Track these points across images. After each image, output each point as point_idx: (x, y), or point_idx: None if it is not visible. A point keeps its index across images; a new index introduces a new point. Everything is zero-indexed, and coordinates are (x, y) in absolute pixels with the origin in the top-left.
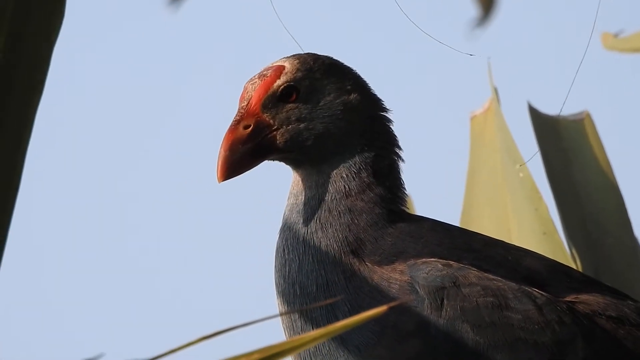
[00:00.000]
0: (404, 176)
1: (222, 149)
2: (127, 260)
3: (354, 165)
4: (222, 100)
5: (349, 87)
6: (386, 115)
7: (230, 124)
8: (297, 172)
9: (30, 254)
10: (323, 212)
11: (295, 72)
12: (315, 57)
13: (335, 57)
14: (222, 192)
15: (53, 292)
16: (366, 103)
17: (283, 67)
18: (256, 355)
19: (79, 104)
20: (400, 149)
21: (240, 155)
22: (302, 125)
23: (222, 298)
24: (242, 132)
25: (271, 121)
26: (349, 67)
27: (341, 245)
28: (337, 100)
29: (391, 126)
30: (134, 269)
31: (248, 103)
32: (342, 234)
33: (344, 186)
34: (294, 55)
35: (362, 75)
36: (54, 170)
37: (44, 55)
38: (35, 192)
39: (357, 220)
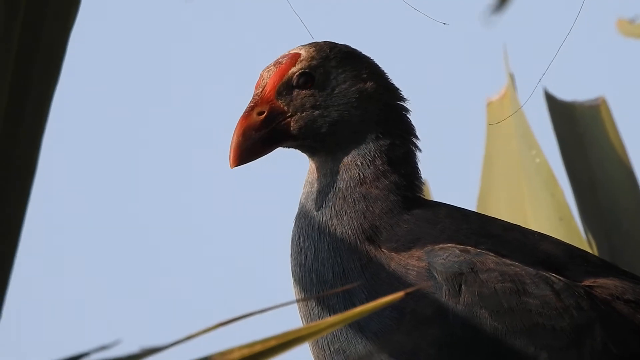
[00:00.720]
0: (421, 163)
1: (235, 135)
2: (141, 248)
3: (369, 153)
4: (235, 85)
5: (364, 76)
6: (403, 104)
7: (244, 110)
8: (313, 159)
9: (40, 240)
10: (338, 199)
11: (310, 60)
12: (331, 45)
13: (351, 45)
14: (240, 180)
15: (66, 280)
16: (382, 91)
17: (299, 55)
18: (273, 342)
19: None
20: (416, 137)
21: (253, 142)
22: (316, 113)
23: (239, 286)
24: (255, 118)
25: (285, 108)
26: (365, 55)
27: (356, 232)
28: (353, 88)
29: (408, 115)
30: (148, 256)
31: (263, 90)
32: (357, 222)
33: (359, 174)
34: (310, 43)
35: (379, 64)
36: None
37: (61, 42)
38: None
39: (372, 207)
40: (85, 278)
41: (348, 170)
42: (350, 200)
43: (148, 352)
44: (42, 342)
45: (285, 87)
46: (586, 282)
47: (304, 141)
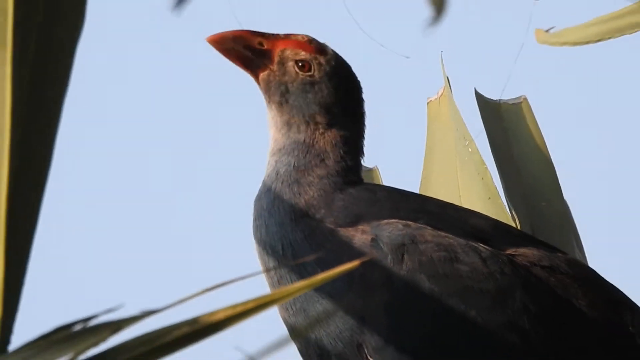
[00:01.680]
0: (365, 152)
1: (232, 32)
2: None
3: (309, 142)
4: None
5: (336, 109)
6: (360, 141)
7: (256, 30)
8: (271, 122)
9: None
10: (278, 182)
11: (324, 63)
12: (347, 71)
13: (353, 71)
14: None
15: (64, 245)
16: (340, 131)
17: (325, 53)
18: (250, 304)
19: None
20: (361, 124)
21: (234, 48)
22: (283, 87)
23: (220, 256)
24: (254, 40)
25: (275, 61)
26: (359, 99)
27: (295, 210)
28: (319, 107)
29: (361, 142)
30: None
31: (284, 39)
32: (292, 201)
33: (295, 162)
34: (334, 51)
35: (363, 107)
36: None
37: (71, 44)
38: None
39: (307, 189)
40: (84, 247)
41: (284, 155)
42: (287, 184)
43: (148, 313)
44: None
45: (290, 55)
46: (509, 251)
47: (261, 90)
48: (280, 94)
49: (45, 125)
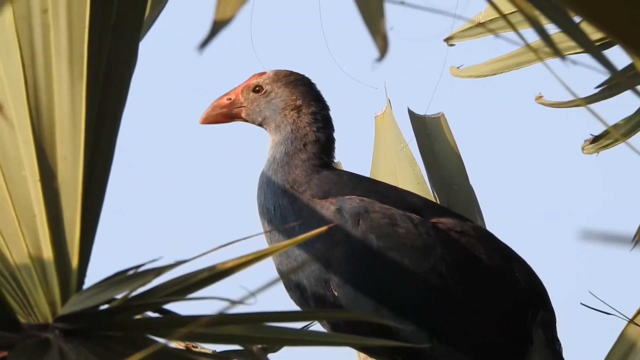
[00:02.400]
0: (336, 147)
1: (209, 106)
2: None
3: (290, 139)
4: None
5: (296, 96)
6: (326, 112)
7: (222, 95)
8: (268, 135)
9: None
10: (274, 165)
11: (266, 78)
12: (286, 74)
13: (303, 75)
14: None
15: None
16: (305, 110)
17: (264, 73)
18: (251, 256)
19: None
20: (329, 131)
21: (216, 113)
22: (257, 109)
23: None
24: (224, 100)
25: (243, 100)
26: (308, 85)
27: (284, 185)
28: (282, 104)
29: (329, 116)
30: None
31: (237, 87)
32: (284, 178)
33: (284, 148)
34: (276, 69)
35: (317, 89)
36: None
37: (127, 76)
38: None
39: (293, 170)
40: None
41: (277, 149)
42: (280, 166)
43: (179, 262)
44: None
45: (247, 89)
46: (433, 219)
47: (251, 122)
48: (260, 115)
49: (108, 131)
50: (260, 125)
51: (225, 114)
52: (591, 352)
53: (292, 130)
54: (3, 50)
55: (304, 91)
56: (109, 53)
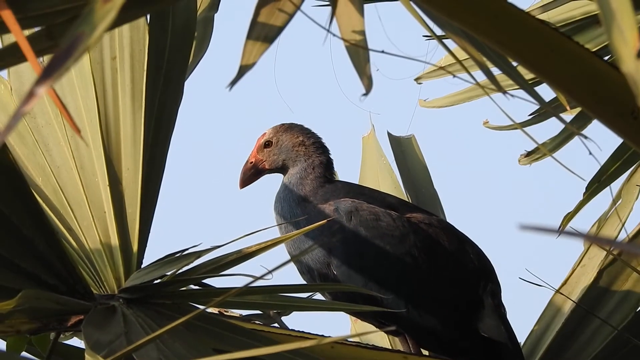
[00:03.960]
0: (334, 166)
1: (240, 173)
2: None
3: (303, 167)
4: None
5: (297, 136)
6: (321, 141)
7: (245, 161)
8: (283, 174)
9: None
10: (289, 185)
11: (270, 134)
12: (281, 125)
13: (294, 122)
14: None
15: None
16: (307, 139)
17: (265, 134)
18: (270, 242)
19: None
20: (329, 154)
21: (248, 176)
22: (274, 158)
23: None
24: (248, 165)
25: (262, 158)
26: (299, 125)
27: (297, 198)
28: (290, 144)
29: (324, 144)
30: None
31: (253, 150)
32: (297, 194)
33: (298, 174)
34: (273, 126)
35: (306, 126)
36: None
37: (175, 105)
38: None
39: (304, 187)
40: None
41: (292, 176)
42: (294, 185)
43: (214, 247)
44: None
45: (260, 149)
46: (407, 215)
47: (272, 171)
48: (279, 160)
49: (160, 149)
50: (281, 168)
51: (253, 174)
52: (527, 316)
53: (304, 160)
54: (81, 87)
55: (299, 130)
56: (161, 90)
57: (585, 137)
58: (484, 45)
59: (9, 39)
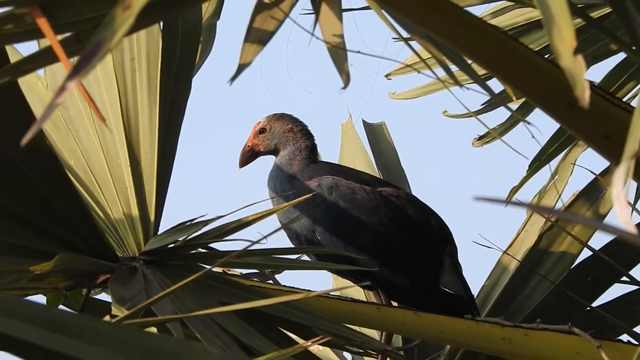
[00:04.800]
0: (318, 148)
1: (239, 154)
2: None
3: (292, 150)
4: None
5: (287, 123)
6: (307, 128)
7: (244, 145)
8: (275, 156)
9: None
10: (280, 165)
11: (264, 123)
12: (273, 114)
13: (285, 112)
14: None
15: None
16: (295, 127)
17: (260, 122)
18: (265, 212)
19: None
20: (312, 139)
21: (245, 157)
22: (267, 142)
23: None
24: (246, 148)
25: (257, 142)
26: (289, 115)
27: (287, 175)
28: (281, 131)
29: (309, 130)
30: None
31: (250, 136)
32: (286, 172)
33: (287, 156)
34: (266, 115)
35: (295, 116)
36: None
37: (184, 100)
38: None
39: (292, 167)
40: None
41: (283, 157)
42: (283, 166)
43: (218, 217)
44: None
45: (256, 135)
46: (379, 189)
47: (266, 154)
48: (272, 144)
49: (172, 135)
50: (273, 151)
51: (250, 156)
52: (479, 273)
53: (292, 144)
54: (106, 83)
55: (288, 119)
56: (173, 86)
57: (529, 123)
58: (444, 46)
59: (44, 42)
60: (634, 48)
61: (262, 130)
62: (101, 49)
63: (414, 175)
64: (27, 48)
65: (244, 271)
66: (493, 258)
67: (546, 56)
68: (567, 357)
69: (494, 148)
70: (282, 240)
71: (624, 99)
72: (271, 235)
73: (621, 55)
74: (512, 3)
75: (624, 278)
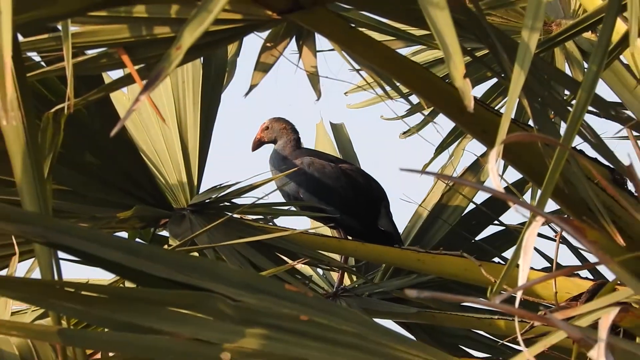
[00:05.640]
0: (303, 139)
1: (252, 143)
2: None
3: (285, 141)
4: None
5: (282, 124)
6: (294, 126)
7: (254, 137)
8: (274, 145)
9: None
10: (277, 150)
11: (267, 123)
12: (273, 117)
13: (281, 116)
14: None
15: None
16: (286, 126)
17: (265, 122)
18: (267, 180)
19: None
20: (298, 134)
21: (255, 144)
22: (269, 136)
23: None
24: (256, 139)
25: (263, 135)
26: (283, 118)
27: (282, 157)
28: (278, 129)
29: (296, 129)
30: None
31: (258, 131)
32: (281, 155)
33: (282, 145)
34: (269, 118)
35: (287, 118)
36: None
37: (215, 107)
38: None
39: (285, 151)
40: None
41: (279, 146)
42: (280, 151)
43: (236, 183)
44: None
45: (262, 130)
46: (339, 165)
47: (268, 143)
48: (271, 139)
49: (208, 130)
50: (273, 141)
51: (258, 144)
52: (404, 218)
53: (285, 137)
54: (166, 96)
55: (283, 121)
56: (209, 98)
57: (435, 123)
58: (381, 74)
59: (126, 70)
60: (502, 75)
61: (266, 128)
62: (161, 74)
63: (364, 157)
64: (115, 74)
65: (254, 217)
66: (412, 209)
67: (447, 80)
68: (459, 272)
69: (414, 139)
70: (278, 198)
71: (496, 108)
72: (271, 194)
73: (494, 80)
74: (425, 47)
75: (496, 222)
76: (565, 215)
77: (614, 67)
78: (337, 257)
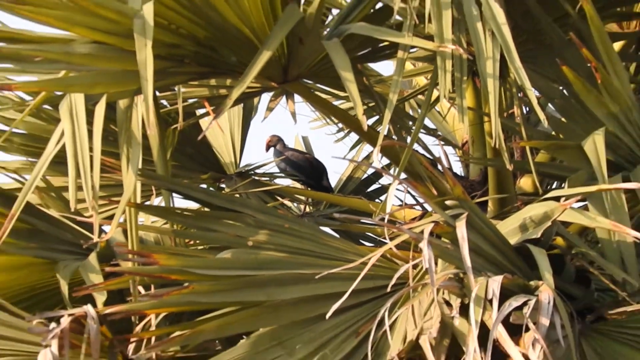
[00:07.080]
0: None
1: (265, 146)
2: None
3: (279, 145)
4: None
5: (277, 137)
6: (282, 139)
7: (265, 143)
8: (274, 148)
9: None
10: (276, 149)
11: (270, 137)
12: (273, 134)
13: (276, 134)
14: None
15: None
16: (280, 140)
17: (269, 136)
18: (270, 161)
19: None
20: (284, 141)
21: (266, 147)
22: (272, 143)
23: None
24: (266, 145)
25: (269, 142)
26: (278, 135)
27: (278, 152)
28: (275, 140)
29: (285, 144)
30: None
31: (266, 140)
32: (277, 151)
33: (278, 146)
34: (270, 135)
35: (280, 136)
36: None
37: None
38: None
39: (279, 149)
40: None
41: (276, 148)
42: (277, 149)
43: (255, 163)
44: None
45: (268, 140)
46: (306, 155)
47: (272, 147)
48: (273, 145)
49: (243, 137)
50: (273, 147)
51: (267, 148)
52: (334, 182)
53: (279, 142)
54: (222, 120)
55: (277, 136)
56: (244, 122)
57: (348, 135)
58: (326, 113)
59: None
60: (380, 113)
61: (270, 140)
62: (222, 111)
63: (317, 151)
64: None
65: (266, 179)
66: (337, 177)
67: (354, 115)
68: (359, 205)
69: (344, 144)
70: (276, 170)
71: (378, 129)
72: (273, 168)
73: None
74: (346, 100)
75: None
76: (409, 180)
77: (434, 111)
78: (303, 198)
